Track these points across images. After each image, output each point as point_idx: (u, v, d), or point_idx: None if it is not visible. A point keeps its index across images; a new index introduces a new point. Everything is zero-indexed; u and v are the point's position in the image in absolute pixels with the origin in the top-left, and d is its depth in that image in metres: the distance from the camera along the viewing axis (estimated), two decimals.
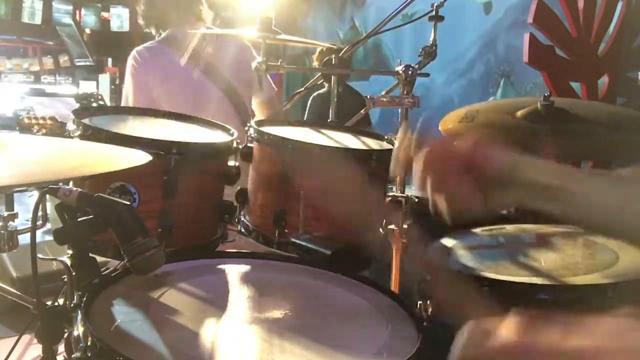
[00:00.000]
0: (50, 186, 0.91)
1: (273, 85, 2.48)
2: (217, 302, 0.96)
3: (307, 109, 4.06)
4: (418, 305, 1.22)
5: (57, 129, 2.64)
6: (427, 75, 1.74)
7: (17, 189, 1.26)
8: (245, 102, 2.32)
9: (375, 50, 4.94)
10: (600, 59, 2.86)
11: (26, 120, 2.75)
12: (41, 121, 2.74)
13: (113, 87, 6.55)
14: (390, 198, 1.46)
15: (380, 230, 1.43)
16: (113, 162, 0.96)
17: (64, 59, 6.99)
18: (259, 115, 2.42)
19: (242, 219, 1.39)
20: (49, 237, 1.01)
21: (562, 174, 0.86)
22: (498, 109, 1.64)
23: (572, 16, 2.72)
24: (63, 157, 0.98)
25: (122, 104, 2.25)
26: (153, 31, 2.35)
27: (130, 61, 2.20)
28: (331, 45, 2.39)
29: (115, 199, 0.92)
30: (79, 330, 0.79)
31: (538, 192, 0.85)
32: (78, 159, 0.99)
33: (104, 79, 6.76)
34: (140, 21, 2.41)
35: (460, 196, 0.89)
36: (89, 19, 6.48)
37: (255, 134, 1.34)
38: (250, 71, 1.66)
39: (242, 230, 1.39)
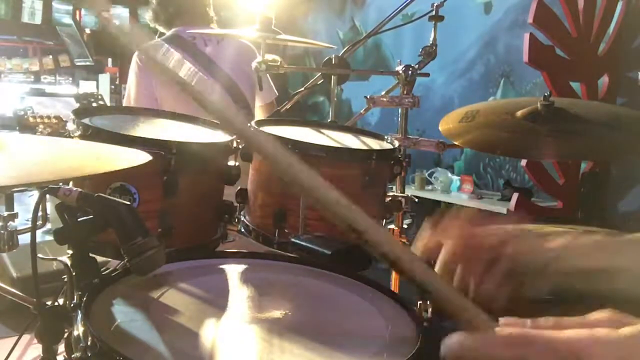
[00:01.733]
0: (50, 186, 0.91)
1: (274, 90, 2.49)
2: (217, 302, 0.96)
3: None
4: (418, 305, 1.22)
5: (61, 128, 2.65)
6: (427, 75, 1.74)
7: (17, 189, 1.26)
8: (249, 103, 2.32)
9: (375, 50, 4.94)
10: (600, 59, 2.86)
11: (31, 120, 2.76)
12: (46, 120, 2.75)
13: (113, 87, 6.55)
14: (390, 198, 1.46)
15: None
16: (113, 162, 0.96)
17: (64, 59, 6.99)
18: (259, 117, 2.43)
19: (242, 219, 1.39)
20: (49, 237, 1.01)
21: (603, 252, 0.83)
22: (498, 109, 1.64)
23: (572, 16, 2.72)
24: (63, 157, 0.98)
25: (124, 102, 2.25)
26: (161, 29, 2.35)
27: (135, 59, 2.21)
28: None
29: (115, 199, 0.92)
30: (79, 330, 0.79)
31: (577, 277, 0.82)
32: (78, 159, 0.99)
33: (104, 79, 6.76)
34: (151, 21, 2.41)
35: (486, 290, 0.84)
36: (89, 19, 6.48)
37: None
38: (252, 71, 1.67)
39: (242, 230, 1.39)
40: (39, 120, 2.75)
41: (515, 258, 0.84)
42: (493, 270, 0.83)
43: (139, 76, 2.20)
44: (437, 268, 0.84)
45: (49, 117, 2.76)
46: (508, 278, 0.84)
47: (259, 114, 2.45)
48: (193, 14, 2.31)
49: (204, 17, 2.34)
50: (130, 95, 2.22)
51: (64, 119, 2.70)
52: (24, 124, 2.81)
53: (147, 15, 2.45)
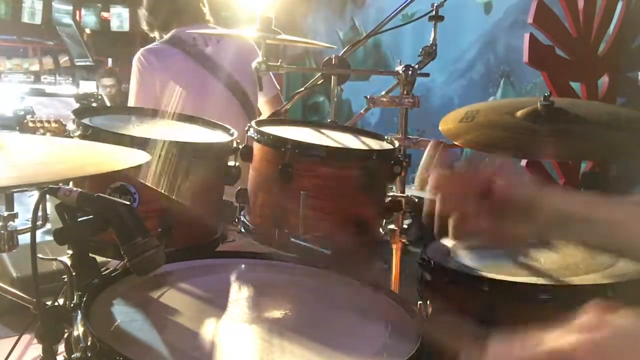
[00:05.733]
0: (50, 186, 0.91)
1: (275, 84, 2.49)
2: (217, 302, 0.96)
3: None
4: (418, 305, 1.22)
5: (61, 132, 2.66)
6: (427, 75, 1.74)
7: (17, 189, 1.26)
8: (252, 100, 2.33)
9: (375, 50, 4.94)
10: (600, 59, 2.86)
11: (31, 124, 2.76)
12: (46, 124, 2.76)
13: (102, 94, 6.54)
14: (390, 198, 1.46)
15: (380, 230, 1.43)
16: (113, 162, 0.96)
17: (64, 59, 6.99)
18: (266, 113, 2.43)
19: (242, 219, 1.39)
20: (49, 237, 1.01)
21: (585, 202, 0.84)
22: (498, 109, 1.64)
23: (572, 16, 2.72)
24: (63, 157, 0.98)
25: (129, 99, 2.25)
26: (157, 36, 2.35)
27: (135, 64, 2.20)
28: None
29: (115, 199, 0.92)
30: (79, 330, 0.79)
31: (559, 221, 0.84)
32: (78, 159, 0.99)
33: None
34: (144, 27, 2.41)
35: (472, 220, 0.88)
36: (89, 19, 6.47)
37: (255, 134, 1.34)
38: (253, 69, 1.66)
39: (242, 230, 1.39)
40: (38, 124, 2.76)
41: (505, 191, 0.85)
42: (483, 201, 0.86)
43: (140, 82, 2.20)
44: (427, 191, 0.90)
45: (48, 121, 2.76)
46: (495, 212, 0.86)
47: (265, 109, 2.45)
48: (187, 14, 2.31)
49: (199, 16, 2.33)
50: (131, 98, 2.22)
51: (64, 123, 2.70)
52: (23, 128, 2.82)
53: (143, 25, 2.44)
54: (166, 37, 2.30)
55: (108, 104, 4.78)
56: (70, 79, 7.09)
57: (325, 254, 1.15)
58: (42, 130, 2.76)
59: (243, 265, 1.14)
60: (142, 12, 2.38)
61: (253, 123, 1.38)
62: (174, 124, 1.47)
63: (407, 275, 1.62)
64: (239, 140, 1.37)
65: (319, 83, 1.86)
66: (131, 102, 2.21)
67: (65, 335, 0.92)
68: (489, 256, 1.31)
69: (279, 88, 2.52)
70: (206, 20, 2.35)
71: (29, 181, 0.85)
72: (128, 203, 0.94)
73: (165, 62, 2.19)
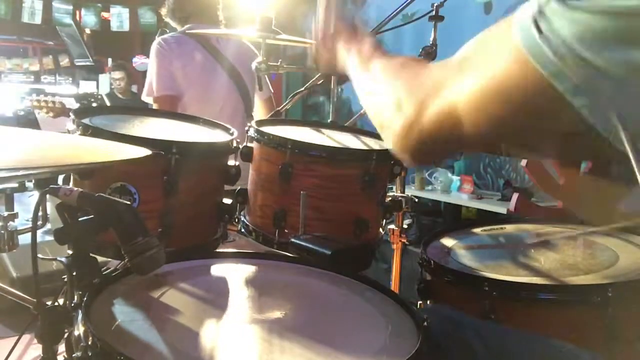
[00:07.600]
0: (50, 186, 0.91)
1: (270, 87, 2.65)
2: (217, 302, 0.96)
3: None
4: (418, 305, 1.22)
5: (64, 113, 2.86)
6: None
7: (15, 184, 1.26)
8: (250, 94, 2.53)
9: None
10: None
11: (36, 103, 2.93)
12: (50, 104, 2.93)
13: (113, 87, 6.55)
14: (390, 198, 1.46)
15: (380, 230, 1.43)
16: (112, 157, 0.95)
17: (64, 59, 6.99)
18: (260, 113, 2.58)
19: (242, 219, 1.39)
20: (49, 237, 1.01)
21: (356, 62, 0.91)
22: None
23: None
24: (62, 151, 0.98)
25: (146, 85, 2.41)
26: (174, 24, 2.53)
27: (155, 47, 2.41)
28: None
29: (116, 199, 0.92)
30: (79, 330, 0.79)
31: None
32: (77, 154, 0.99)
33: (104, 79, 6.76)
34: (166, 15, 2.62)
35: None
36: (89, 19, 6.47)
37: (255, 134, 1.34)
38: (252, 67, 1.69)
39: (242, 230, 1.39)
40: (42, 103, 2.91)
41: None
42: None
43: (159, 58, 2.38)
44: None
45: (53, 102, 2.93)
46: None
47: (260, 105, 2.64)
48: (205, 15, 2.54)
49: (214, 18, 2.56)
50: (153, 76, 2.37)
51: (66, 105, 2.87)
52: (31, 105, 3.02)
53: (162, 10, 2.65)
54: (183, 29, 2.52)
55: (108, 103, 4.79)
56: (70, 79, 7.11)
57: (325, 254, 1.15)
58: (45, 109, 2.94)
59: (243, 266, 1.14)
60: (169, 4, 2.60)
61: (253, 123, 1.38)
62: (174, 124, 1.47)
63: (407, 275, 1.62)
64: (239, 140, 1.37)
65: (319, 83, 1.86)
66: (153, 81, 2.37)
67: (66, 335, 0.92)
68: (489, 256, 1.31)
69: (272, 91, 2.73)
70: (219, 21, 2.53)
71: (28, 167, 0.84)
72: (128, 203, 0.94)
73: (181, 48, 2.40)
